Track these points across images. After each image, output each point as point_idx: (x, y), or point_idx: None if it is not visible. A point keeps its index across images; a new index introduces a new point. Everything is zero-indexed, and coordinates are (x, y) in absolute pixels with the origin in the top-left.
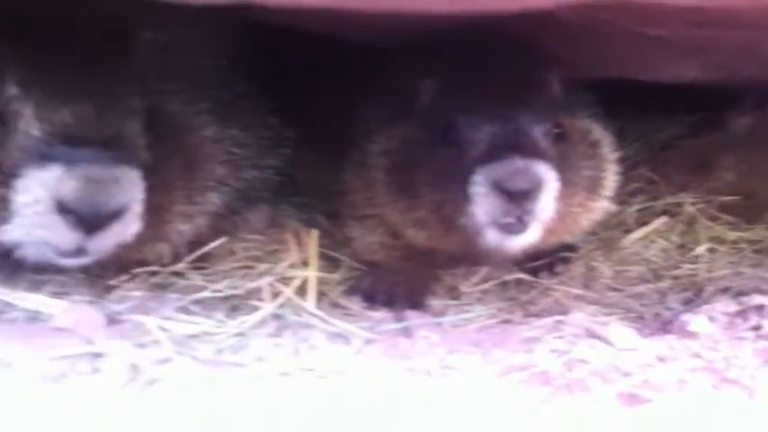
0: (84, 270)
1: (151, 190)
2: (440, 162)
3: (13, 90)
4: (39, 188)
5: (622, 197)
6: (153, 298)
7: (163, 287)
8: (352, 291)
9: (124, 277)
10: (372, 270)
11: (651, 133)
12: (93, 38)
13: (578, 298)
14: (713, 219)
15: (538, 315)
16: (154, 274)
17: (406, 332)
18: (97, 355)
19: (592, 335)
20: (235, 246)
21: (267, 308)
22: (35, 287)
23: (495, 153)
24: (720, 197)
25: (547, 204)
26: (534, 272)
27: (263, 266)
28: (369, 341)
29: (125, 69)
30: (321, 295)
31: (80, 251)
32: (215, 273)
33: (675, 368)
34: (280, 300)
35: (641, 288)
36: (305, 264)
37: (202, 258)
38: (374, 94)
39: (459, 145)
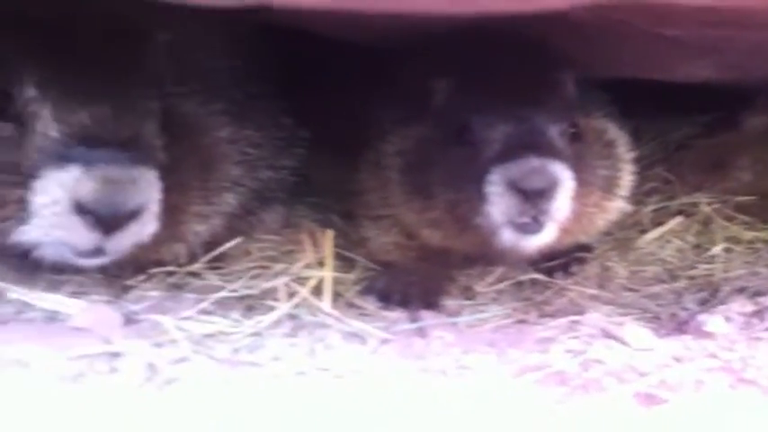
0: (102, 270)
1: (168, 191)
2: (455, 162)
3: (31, 92)
4: (57, 189)
5: (638, 197)
6: (170, 298)
7: (179, 287)
8: (367, 291)
9: (141, 277)
10: (387, 270)
11: (666, 133)
12: (110, 40)
13: (593, 298)
14: (729, 219)
15: (553, 315)
16: (170, 274)
17: (421, 332)
18: (115, 355)
19: (607, 335)
20: (250, 246)
21: (283, 308)
22: (53, 287)
23: (510, 152)
24: (736, 197)
25: (562, 204)
26: (549, 272)
27: (278, 266)
28: (384, 341)
29: (141, 71)
30: (336, 295)
31: (98, 251)
32: (231, 273)
33: (692, 368)
34: (295, 300)
35: (657, 288)
36: (320, 264)
37: (218, 258)
38: (389, 95)
39: (474, 145)
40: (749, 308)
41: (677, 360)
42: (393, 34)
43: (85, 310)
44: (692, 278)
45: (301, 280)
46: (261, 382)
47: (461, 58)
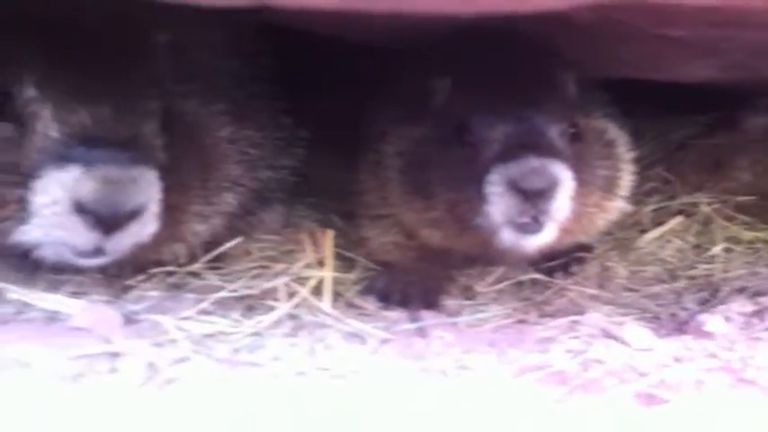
0: (102, 270)
1: (168, 190)
2: (454, 162)
3: (31, 92)
4: (57, 189)
5: (638, 197)
6: (170, 298)
7: (179, 287)
8: (367, 291)
9: (141, 277)
10: (387, 270)
11: (666, 133)
12: (110, 39)
13: (593, 298)
14: (729, 219)
15: (553, 315)
16: (170, 274)
17: (422, 332)
18: (115, 355)
19: (608, 335)
20: (250, 246)
21: (283, 308)
22: (53, 287)
23: (510, 152)
24: (736, 197)
25: (562, 204)
26: (549, 272)
27: (278, 266)
28: (384, 341)
29: (142, 71)
30: (336, 295)
31: (98, 251)
32: (231, 273)
33: (692, 368)
34: (295, 300)
35: (657, 288)
36: (320, 264)
37: (218, 258)
38: (388, 95)
39: (473, 145)
40: (749, 308)
41: (677, 360)
42: (393, 34)
43: (86, 310)
44: (692, 278)
45: (301, 280)
46: (261, 382)
47: (461, 58)
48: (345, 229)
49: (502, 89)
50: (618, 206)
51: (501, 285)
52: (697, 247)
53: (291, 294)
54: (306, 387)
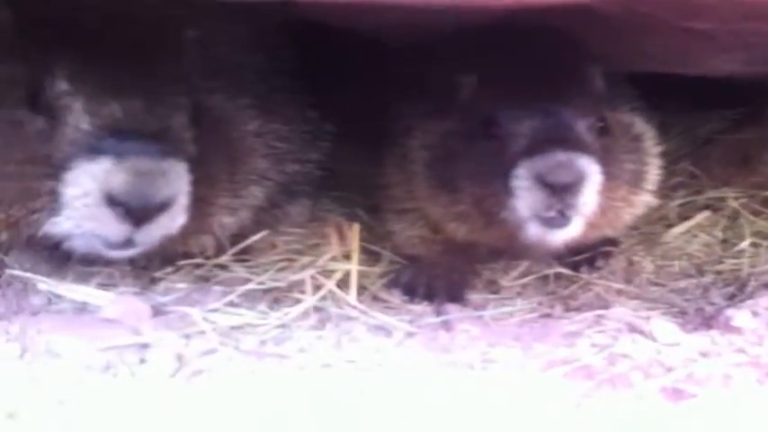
0: (130, 262)
1: (196, 183)
2: (481, 156)
3: (63, 85)
4: (88, 181)
5: (664, 191)
6: (197, 290)
7: (207, 279)
8: (392, 284)
9: (169, 269)
10: (413, 264)
11: (693, 127)
12: (139, 34)
13: (619, 293)
14: (756, 213)
15: (578, 309)
16: (198, 266)
17: (447, 326)
18: (144, 346)
19: (634, 330)
20: (276, 239)
21: (309, 300)
22: (83, 279)
23: (537, 146)
24: (764, 192)
25: (589, 198)
26: (575, 266)
27: (304, 259)
28: (409, 334)
29: (172, 64)
30: (362, 288)
31: (128, 243)
32: (258, 265)
33: (719, 363)
34: (321, 292)
35: (684, 283)
36: (346, 257)
37: (245, 251)
38: (415, 89)
39: (500, 139)
40: None
41: (704, 355)
42: (420, 29)
43: (115, 302)
44: (719, 273)
45: (327, 273)
46: (287, 374)
47: (488, 52)
48: (371, 223)
49: (529, 83)
50: (645, 200)
51: (526, 279)
52: (724, 241)
53: (317, 287)
54: (332, 379)
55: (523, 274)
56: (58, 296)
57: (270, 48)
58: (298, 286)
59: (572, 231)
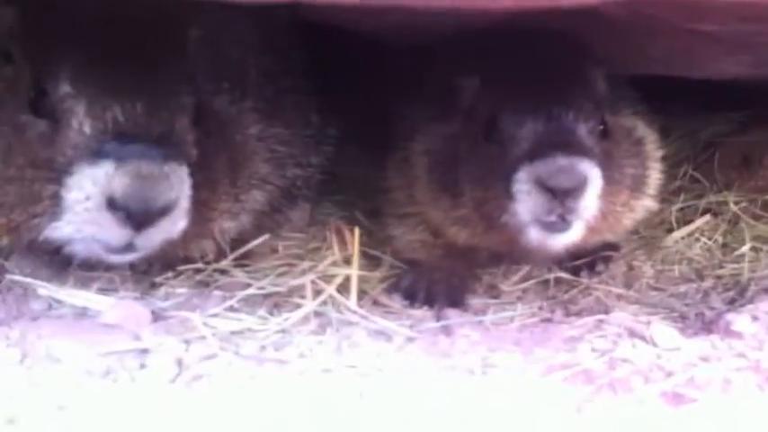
0: (131, 267)
1: (197, 187)
2: (482, 160)
3: (65, 88)
4: (90, 185)
5: (665, 195)
6: (197, 295)
7: (207, 284)
8: (392, 289)
9: (169, 274)
10: (413, 268)
11: (694, 131)
12: (143, 36)
13: (620, 297)
14: (757, 218)
15: (579, 314)
16: (198, 271)
17: (447, 330)
18: (144, 351)
19: (634, 334)
20: (277, 243)
21: (309, 305)
22: (83, 284)
23: (538, 151)
24: (763, 196)
25: (590, 203)
26: (575, 271)
27: (305, 264)
28: (410, 339)
29: (174, 67)
30: (362, 293)
31: (129, 247)
32: (258, 270)
33: (719, 368)
34: (322, 297)
35: (684, 287)
36: (347, 261)
37: (245, 256)
38: (417, 92)
39: (502, 143)
40: None
41: (704, 359)
42: (423, 31)
43: (115, 307)
44: (719, 277)
45: (327, 278)
46: (287, 379)
47: (490, 56)
48: (371, 227)
49: (530, 87)
50: (645, 205)
51: (526, 284)
52: (724, 246)
53: (318, 292)
54: (332, 384)
55: (524, 279)
56: (59, 301)
57: (274, 50)
58: (298, 291)
59: (573, 236)
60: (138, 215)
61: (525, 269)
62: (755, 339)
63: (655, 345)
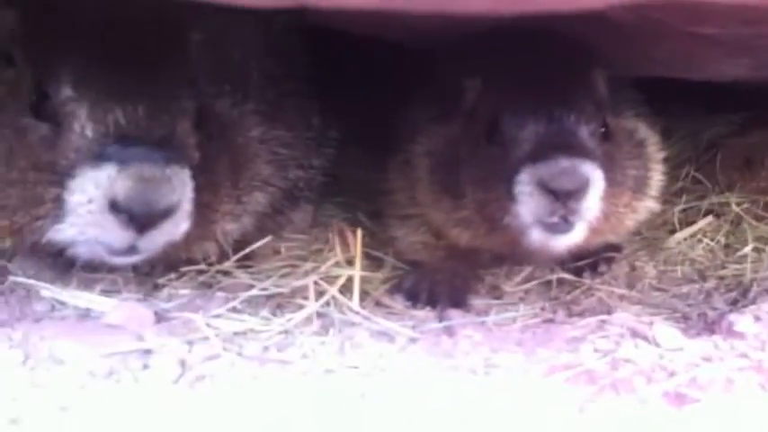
0: (133, 269)
1: (199, 189)
2: (484, 161)
3: (67, 91)
4: (92, 188)
5: (667, 196)
6: (200, 296)
7: (210, 285)
8: (395, 290)
9: (172, 276)
10: (415, 269)
11: (696, 132)
12: (145, 39)
13: (622, 298)
14: (759, 218)
15: (581, 315)
16: (201, 272)
17: (449, 331)
18: (147, 352)
19: (636, 335)
20: (279, 245)
21: (312, 306)
22: (86, 285)
23: (540, 152)
24: (766, 196)
25: (593, 204)
26: (577, 271)
27: (307, 265)
28: (412, 340)
29: (176, 70)
30: (364, 294)
31: (131, 249)
32: (260, 271)
33: (722, 368)
34: (324, 298)
35: (686, 288)
36: (349, 263)
37: (248, 257)
38: (419, 94)
39: (504, 144)
40: None
41: (707, 360)
42: (427, 33)
43: (118, 308)
44: (721, 278)
45: (330, 279)
46: (290, 380)
47: (492, 57)
48: (374, 229)
49: (532, 88)
50: (648, 206)
51: (529, 285)
52: (727, 246)
53: (320, 293)
54: (334, 385)
55: (526, 280)
56: (62, 302)
57: (276, 53)
58: (300, 292)
59: (575, 237)
60: (140, 218)
61: (528, 270)
62: (758, 340)
63: (657, 345)
